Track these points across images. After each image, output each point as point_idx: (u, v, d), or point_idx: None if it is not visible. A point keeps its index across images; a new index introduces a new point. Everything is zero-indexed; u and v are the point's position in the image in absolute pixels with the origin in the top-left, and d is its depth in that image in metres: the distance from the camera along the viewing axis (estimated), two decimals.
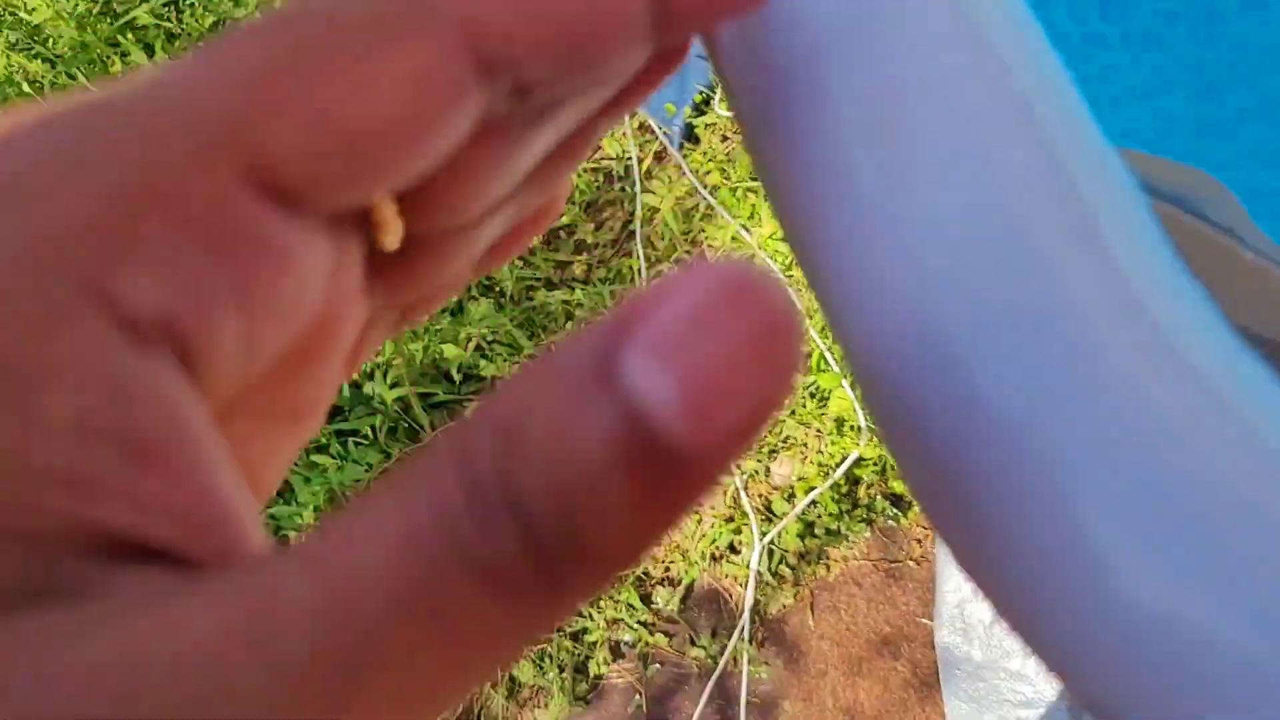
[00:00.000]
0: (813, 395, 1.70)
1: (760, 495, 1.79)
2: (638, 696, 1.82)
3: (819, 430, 1.72)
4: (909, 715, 1.61)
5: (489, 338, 1.89)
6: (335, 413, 1.94)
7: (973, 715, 1.57)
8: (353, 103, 0.12)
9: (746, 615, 1.76)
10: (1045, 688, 1.56)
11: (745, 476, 1.77)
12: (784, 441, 1.77)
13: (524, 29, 0.12)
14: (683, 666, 1.81)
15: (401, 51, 0.12)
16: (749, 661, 1.74)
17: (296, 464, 1.92)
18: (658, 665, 1.83)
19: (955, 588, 1.64)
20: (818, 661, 1.71)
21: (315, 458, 1.89)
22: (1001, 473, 0.15)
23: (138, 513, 0.11)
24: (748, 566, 1.77)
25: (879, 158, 0.16)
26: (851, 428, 1.68)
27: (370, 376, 1.90)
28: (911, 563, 1.70)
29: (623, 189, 2.06)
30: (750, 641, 1.75)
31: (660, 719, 1.80)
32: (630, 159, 2.06)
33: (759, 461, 1.76)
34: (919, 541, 1.71)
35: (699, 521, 1.82)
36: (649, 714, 1.80)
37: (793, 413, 1.72)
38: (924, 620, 1.66)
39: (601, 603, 1.85)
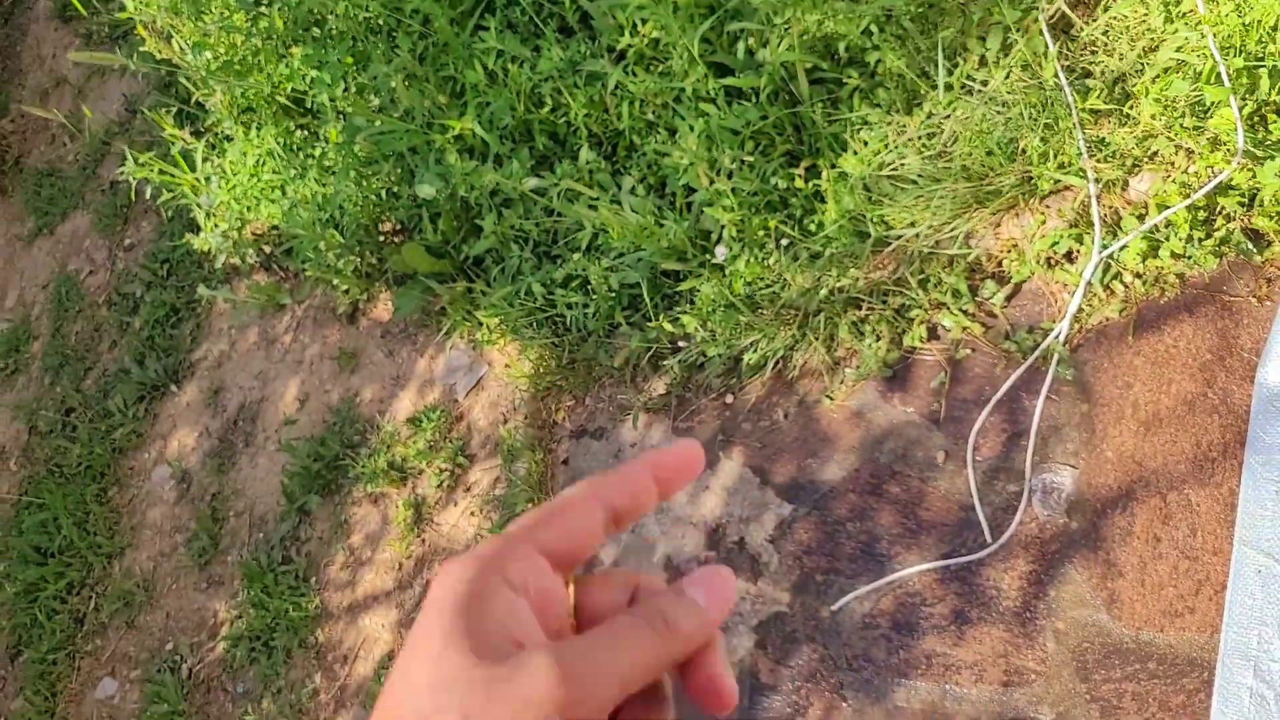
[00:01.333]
0: (1193, 108, 1.67)
1: (1111, 208, 1.80)
2: (942, 374, 1.95)
3: (1190, 149, 1.70)
4: (1207, 438, 1.64)
5: (882, 20, 1.98)
6: (724, 70, 2.13)
7: None
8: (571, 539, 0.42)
9: (1068, 319, 1.82)
10: None
11: (1100, 185, 1.79)
12: (1150, 156, 1.75)
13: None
14: (991, 356, 1.91)
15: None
16: (1058, 362, 1.81)
17: (683, 108, 2.15)
18: (968, 351, 1.94)
19: None
20: (1126, 374, 1.75)
21: (703, 106, 2.11)
22: None
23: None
24: (1080, 274, 1.81)
25: None
26: (1228, 150, 1.65)
27: (765, 44, 2.06)
28: (1254, 299, 1.68)
29: None
30: (1064, 344, 1.82)
31: (959, 398, 1.93)
32: None
33: (1119, 170, 1.76)
34: (1269, 281, 1.68)
35: (1043, 222, 1.87)
36: (949, 392, 1.94)
37: (1167, 126, 1.70)
38: (1250, 354, 1.66)
39: (929, 284, 1.97)
